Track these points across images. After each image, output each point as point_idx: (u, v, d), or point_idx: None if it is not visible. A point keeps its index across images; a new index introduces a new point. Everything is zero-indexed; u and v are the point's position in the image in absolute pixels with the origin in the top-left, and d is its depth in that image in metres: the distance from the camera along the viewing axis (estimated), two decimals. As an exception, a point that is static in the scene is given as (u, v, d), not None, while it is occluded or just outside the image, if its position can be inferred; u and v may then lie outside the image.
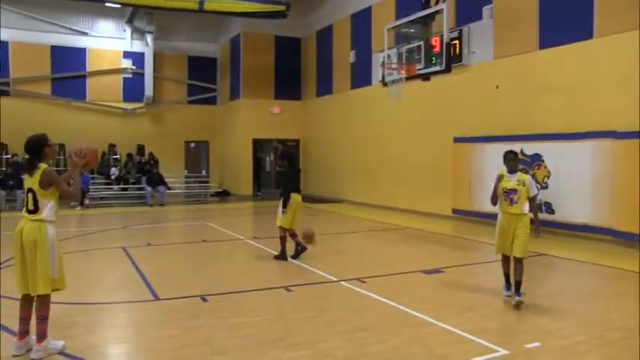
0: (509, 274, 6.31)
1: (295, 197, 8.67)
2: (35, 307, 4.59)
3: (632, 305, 6.11)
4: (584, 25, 10.72)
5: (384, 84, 12.93)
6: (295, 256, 8.66)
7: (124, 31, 22.15)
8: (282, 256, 8.69)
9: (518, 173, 6.17)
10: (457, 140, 13.64)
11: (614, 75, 10.14)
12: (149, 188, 18.62)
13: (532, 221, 6.11)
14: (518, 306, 5.81)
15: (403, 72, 12.28)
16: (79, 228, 13.26)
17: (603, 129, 10.12)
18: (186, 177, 22.46)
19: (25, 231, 4.48)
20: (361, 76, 17.95)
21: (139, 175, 19.76)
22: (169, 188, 19.33)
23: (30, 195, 4.49)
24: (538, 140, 11.36)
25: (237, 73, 21.82)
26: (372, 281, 7.14)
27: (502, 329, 5.21)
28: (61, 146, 18.89)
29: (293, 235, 8.73)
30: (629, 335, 5.06)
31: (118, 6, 19.44)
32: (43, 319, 4.54)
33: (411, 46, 12.52)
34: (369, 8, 17.56)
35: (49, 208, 4.52)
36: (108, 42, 21.90)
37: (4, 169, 18.24)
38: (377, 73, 15.10)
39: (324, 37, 20.57)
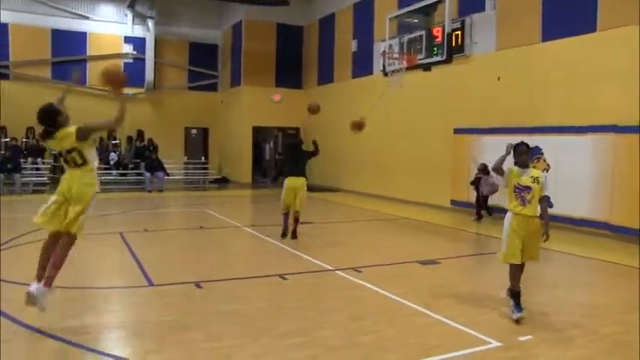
0: (520, 290, 5.26)
1: (290, 181, 9.31)
2: (56, 250, 4.79)
3: (628, 300, 6.11)
4: (588, 18, 10.64)
5: (385, 74, 12.87)
6: (291, 236, 9.33)
7: (126, 15, 21.99)
8: (282, 234, 9.46)
9: (531, 169, 5.43)
10: (457, 131, 13.60)
11: (616, 69, 10.07)
12: (148, 174, 18.62)
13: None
14: (519, 321, 5.14)
15: (404, 62, 12.21)
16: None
17: (604, 123, 10.08)
18: (186, 163, 22.43)
19: (77, 175, 4.84)
20: (363, 65, 17.86)
21: (138, 160, 19.74)
22: (168, 174, 19.34)
23: (75, 153, 4.82)
24: (538, 133, 11.30)
25: (239, 60, 21.69)
26: (368, 271, 7.14)
27: (496, 321, 5.20)
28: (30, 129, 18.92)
29: (286, 215, 9.47)
30: (623, 330, 5.07)
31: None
32: (57, 266, 4.77)
33: (412, 35, 12.42)
34: (372, -3, 17.44)
35: (94, 156, 4.99)
36: (109, 26, 21.76)
37: (2, 152, 18.18)
38: (378, 63, 15.01)
39: (327, 25, 20.44)
